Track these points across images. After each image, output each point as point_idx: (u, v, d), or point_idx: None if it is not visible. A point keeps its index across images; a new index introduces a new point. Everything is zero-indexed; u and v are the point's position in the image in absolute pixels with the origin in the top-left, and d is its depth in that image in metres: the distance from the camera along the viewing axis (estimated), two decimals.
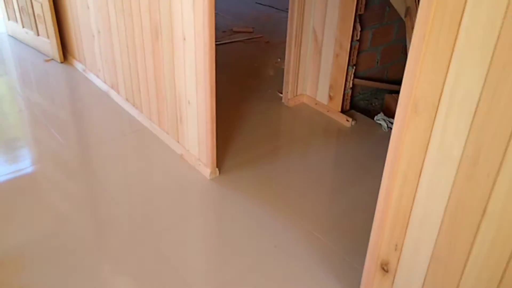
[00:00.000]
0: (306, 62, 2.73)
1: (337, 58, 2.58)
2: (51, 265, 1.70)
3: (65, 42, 3.19)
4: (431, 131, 1.25)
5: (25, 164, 2.27)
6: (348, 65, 2.58)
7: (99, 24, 2.68)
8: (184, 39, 2.02)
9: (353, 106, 2.82)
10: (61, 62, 3.19)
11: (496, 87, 1.08)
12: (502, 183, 1.14)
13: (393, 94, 2.91)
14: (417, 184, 1.32)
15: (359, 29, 2.53)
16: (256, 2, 4.68)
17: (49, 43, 3.15)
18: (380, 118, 2.65)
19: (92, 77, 3.00)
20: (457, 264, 1.29)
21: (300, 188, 2.16)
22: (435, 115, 1.23)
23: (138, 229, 1.89)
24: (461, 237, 1.26)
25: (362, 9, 2.50)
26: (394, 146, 1.35)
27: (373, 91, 2.99)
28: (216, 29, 1.88)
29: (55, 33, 3.07)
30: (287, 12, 2.58)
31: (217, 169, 2.21)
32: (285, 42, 2.67)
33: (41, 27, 3.15)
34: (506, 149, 1.11)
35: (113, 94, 2.81)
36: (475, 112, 1.14)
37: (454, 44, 1.14)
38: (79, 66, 3.12)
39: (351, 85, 2.69)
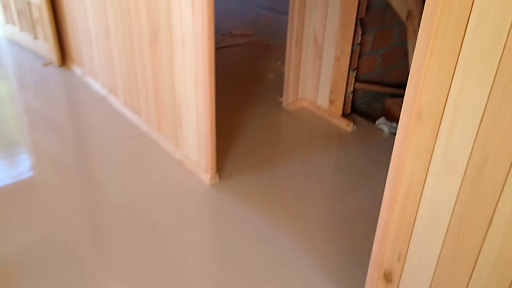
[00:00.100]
0: (306, 65, 2.71)
1: (338, 61, 2.55)
2: (50, 271, 1.68)
3: (63, 46, 3.17)
4: (436, 139, 1.22)
5: (23, 169, 2.25)
6: (349, 69, 2.55)
7: (97, 27, 2.66)
8: (183, 42, 1.99)
9: (354, 110, 2.79)
10: (60, 66, 3.17)
11: (503, 95, 1.06)
12: (509, 193, 1.11)
13: (394, 98, 2.88)
14: (421, 193, 1.30)
15: (360, 32, 2.50)
16: (257, 6, 4.66)
17: (47, 47, 3.12)
18: (381, 122, 2.62)
19: (90, 81, 2.97)
20: (462, 275, 1.27)
21: (300, 194, 2.13)
22: (440, 123, 1.20)
23: (137, 236, 1.86)
24: (467, 247, 1.23)
25: (363, 13, 2.47)
26: (397, 154, 1.32)
27: (374, 95, 2.97)
28: (216, 32, 1.85)
29: (53, 36, 3.04)
30: (287, 15, 2.56)
31: (216, 174, 2.18)
32: (285, 45, 2.65)
33: (39, 31, 3.12)
34: None
35: (111, 98, 2.78)
36: (481, 120, 1.12)
37: (459, 51, 1.11)
38: (77, 70, 3.09)
39: (352, 89, 2.66)
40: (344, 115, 2.68)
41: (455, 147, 1.19)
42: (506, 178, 1.10)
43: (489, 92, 1.09)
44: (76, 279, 1.66)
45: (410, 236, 1.36)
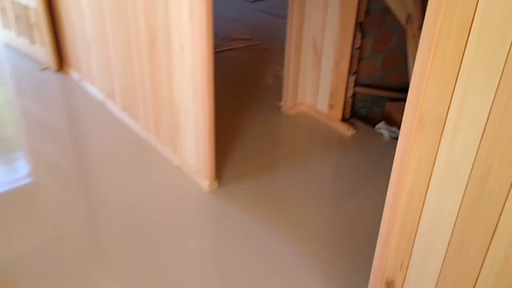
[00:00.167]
0: (305, 70, 2.69)
1: (338, 66, 2.53)
2: (48, 279, 1.66)
3: (60, 51, 3.15)
4: (438, 147, 1.20)
5: (21, 175, 2.23)
6: (348, 73, 2.53)
7: (94, 33, 2.64)
8: (182, 48, 1.97)
9: (354, 114, 2.78)
10: (57, 71, 3.14)
11: (507, 102, 1.04)
12: None
13: (394, 102, 2.86)
14: (424, 201, 1.28)
15: (360, 37, 2.49)
16: (255, 9, 4.64)
17: (44, 52, 3.10)
18: (381, 127, 2.60)
19: (88, 86, 2.95)
20: (466, 284, 1.24)
21: (300, 200, 2.11)
22: (442, 131, 1.18)
23: (136, 243, 1.84)
24: (470, 257, 1.21)
25: (363, 17, 2.45)
26: (399, 162, 1.30)
27: (373, 99, 2.95)
28: (214, 36, 1.84)
29: (51, 41, 3.02)
30: (285, 18, 2.54)
31: (215, 181, 2.16)
32: (283, 49, 2.63)
33: (36, 36, 3.10)
34: None
35: (109, 103, 2.76)
36: (485, 128, 1.10)
37: (462, 57, 1.09)
38: (75, 75, 3.07)
39: (351, 93, 2.64)
40: (343, 119, 2.67)
41: (458, 155, 1.17)
42: (511, 187, 1.08)
43: (493, 99, 1.07)
44: (74, 287, 1.63)
45: (413, 245, 1.34)
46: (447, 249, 1.26)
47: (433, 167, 1.23)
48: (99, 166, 2.31)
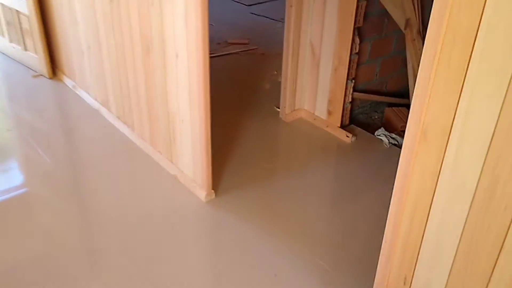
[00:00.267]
0: (303, 76, 2.65)
1: (336, 71, 2.49)
2: None
3: (54, 57, 3.09)
4: (443, 159, 1.16)
5: (14, 184, 2.18)
6: (347, 78, 2.49)
7: (88, 39, 2.59)
8: (177, 55, 1.92)
9: (353, 120, 2.73)
10: (50, 78, 3.09)
11: None
12: None
13: (393, 108, 2.83)
14: (428, 215, 1.23)
15: (358, 42, 2.45)
16: (251, 13, 4.61)
17: (37, 59, 3.05)
18: (380, 133, 2.56)
19: (82, 93, 2.89)
20: None
21: (299, 210, 2.06)
22: (447, 143, 1.14)
23: (131, 255, 1.79)
24: (476, 274, 1.17)
25: (361, 21, 2.42)
26: (402, 174, 1.26)
27: (372, 104, 2.91)
28: (210, 40, 1.79)
29: (43, 48, 2.96)
30: (283, 22, 2.50)
31: (212, 191, 2.11)
32: (281, 53, 2.59)
33: (28, 42, 3.05)
34: None
35: (104, 111, 2.71)
36: (491, 140, 1.06)
37: (467, 67, 1.05)
38: (68, 82, 3.02)
39: (350, 99, 2.60)
40: (342, 125, 2.62)
41: (464, 167, 1.13)
42: None
43: (500, 110, 1.03)
44: None
45: (416, 260, 1.29)
46: (452, 264, 1.22)
47: (437, 179, 1.19)
48: (94, 175, 2.26)
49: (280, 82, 2.69)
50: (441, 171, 1.17)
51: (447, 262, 1.22)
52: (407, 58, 2.61)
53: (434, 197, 1.20)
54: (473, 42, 1.03)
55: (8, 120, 2.69)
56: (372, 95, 2.82)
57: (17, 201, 2.06)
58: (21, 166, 2.34)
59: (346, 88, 2.52)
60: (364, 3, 2.37)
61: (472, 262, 1.17)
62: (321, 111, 2.65)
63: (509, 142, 1.02)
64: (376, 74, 2.81)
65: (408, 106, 2.79)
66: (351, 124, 2.70)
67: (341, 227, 1.97)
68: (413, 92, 2.64)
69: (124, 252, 1.80)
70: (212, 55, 3.22)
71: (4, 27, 3.18)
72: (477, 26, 1.01)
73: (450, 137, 1.13)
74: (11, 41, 3.21)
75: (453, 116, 1.11)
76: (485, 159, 1.08)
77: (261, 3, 4.84)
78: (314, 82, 2.62)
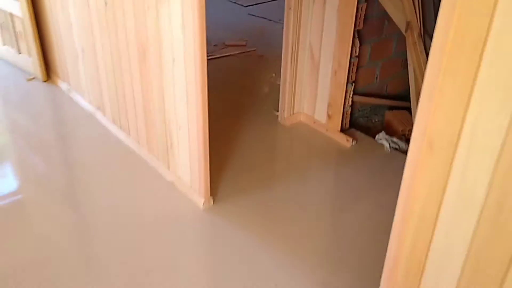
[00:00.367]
0: (303, 79, 2.60)
1: (336, 75, 2.45)
2: None
3: (48, 61, 3.04)
4: (450, 171, 1.12)
5: (8, 189, 2.14)
6: (347, 82, 2.45)
7: (82, 42, 2.54)
8: (174, 60, 1.88)
9: (353, 123, 2.69)
10: (44, 81, 3.03)
11: None
12: None
13: (394, 111, 2.79)
14: (434, 230, 1.19)
15: (358, 44, 2.40)
16: (249, 14, 4.55)
17: (31, 61, 2.99)
18: (381, 137, 2.52)
19: (77, 97, 2.84)
20: None
21: (299, 217, 2.02)
22: (454, 154, 1.10)
23: (126, 264, 1.74)
24: None
25: (361, 24, 2.37)
26: (407, 186, 1.22)
27: (372, 107, 2.87)
28: (207, 42, 1.74)
29: (37, 51, 2.91)
30: (280, 23, 2.46)
31: (211, 197, 2.06)
32: (279, 55, 2.54)
33: (22, 45, 2.99)
34: None
35: (99, 115, 2.66)
36: (501, 151, 1.01)
37: (475, 76, 1.01)
38: (63, 85, 2.97)
39: (350, 103, 2.56)
40: (342, 129, 2.58)
41: (472, 180, 1.08)
42: None
43: (509, 121, 0.98)
44: None
45: (421, 276, 1.25)
46: (459, 280, 1.18)
47: (444, 193, 1.14)
48: (89, 180, 2.21)
49: (278, 85, 2.65)
50: (448, 183, 1.13)
51: (453, 277, 1.18)
52: (408, 60, 2.57)
53: (441, 210, 1.16)
54: (481, 52, 0.98)
55: (2, 123, 2.64)
56: (372, 98, 2.78)
57: (10, 207, 2.02)
58: (14, 171, 2.29)
59: (346, 92, 2.48)
60: (364, 5, 2.33)
61: (480, 278, 1.13)
62: (320, 115, 2.61)
63: None
64: (376, 77, 2.77)
65: (408, 109, 2.75)
66: (351, 128, 2.66)
67: (342, 235, 1.93)
68: (414, 95, 2.61)
69: (120, 260, 1.76)
70: (209, 57, 3.17)
71: None
72: (485, 37, 0.97)
73: (458, 149, 1.08)
74: (4, 44, 3.15)
75: (460, 128, 1.07)
76: (494, 171, 1.04)
77: (258, 4, 4.80)
78: (314, 85, 2.58)
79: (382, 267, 1.37)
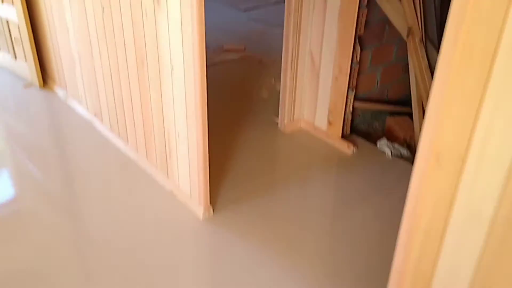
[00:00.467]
0: (303, 85, 2.57)
1: (336, 81, 2.42)
2: None
3: (44, 67, 3.00)
4: (457, 186, 1.09)
5: (4, 198, 2.11)
6: (348, 88, 2.42)
7: (79, 48, 2.50)
8: (172, 68, 1.84)
9: (353, 129, 2.66)
10: (41, 88, 3.00)
11: None
12: None
13: (395, 117, 2.76)
14: (440, 245, 1.16)
15: (359, 50, 2.38)
16: (248, 18, 4.52)
17: (27, 68, 2.96)
18: (383, 144, 2.49)
19: (74, 104, 2.81)
20: None
21: (300, 226, 1.98)
22: (462, 169, 1.07)
23: (124, 275, 1.71)
24: None
25: (362, 30, 2.35)
26: (413, 199, 1.18)
27: (373, 113, 2.84)
28: (206, 48, 1.71)
29: (34, 57, 2.87)
30: (279, 27, 2.42)
31: (210, 207, 2.03)
32: (278, 60, 2.51)
33: (18, 51, 2.95)
34: None
35: (96, 123, 2.62)
36: (511, 165, 0.98)
37: (485, 88, 0.98)
38: (60, 92, 2.93)
39: (351, 109, 2.53)
40: (343, 136, 2.55)
41: (480, 196, 1.05)
42: None
43: None
44: None
45: None
46: None
47: (451, 208, 1.11)
48: (86, 189, 2.17)
49: (278, 90, 2.62)
50: (456, 198, 1.10)
51: None
52: (409, 66, 2.55)
53: (448, 225, 1.13)
54: (491, 63, 0.95)
55: None
56: (373, 104, 2.75)
57: (7, 215, 1.98)
58: (11, 179, 2.25)
59: (347, 98, 2.45)
60: (365, 11, 2.30)
61: None
62: (321, 122, 2.58)
63: None
64: (377, 82, 2.74)
65: (410, 115, 2.72)
66: (352, 134, 2.63)
67: (344, 243, 1.90)
68: (415, 101, 2.58)
69: (118, 271, 1.72)
70: (207, 63, 3.14)
71: None
72: (495, 47, 0.94)
73: (466, 162, 1.05)
74: (0, 49, 3.11)
75: (469, 141, 1.03)
76: (504, 186, 1.01)
77: (257, 8, 4.77)
78: (314, 91, 2.55)
79: (385, 276, 1.34)
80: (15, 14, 2.77)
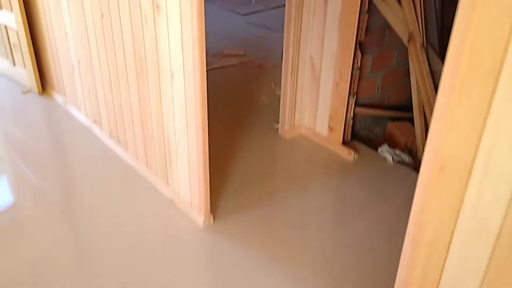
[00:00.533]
0: (303, 91, 2.56)
1: (337, 87, 2.40)
2: None
3: (43, 73, 2.99)
4: (463, 196, 1.07)
5: (2, 206, 2.08)
6: (349, 94, 2.41)
7: (78, 54, 2.48)
8: (172, 75, 1.83)
9: (354, 134, 2.65)
10: (40, 94, 2.98)
11: None
12: None
13: (396, 122, 2.75)
14: (446, 256, 1.14)
15: (360, 56, 2.36)
16: (247, 23, 4.51)
17: (26, 74, 2.94)
18: (384, 150, 2.47)
19: (73, 110, 2.79)
20: None
21: (302, 234, 1.96)
22: (468, 179, 1.05)
23: (123, 284, 1.68)
24: None
25: (363, 36, 2.33)
26: (418, 210, 1.17)
27: (374, 119, 2.82)
28: (205, 53, 1.69)
29: (32, 63, 2.86)
30: (279, 32, 2.41)
31: (211, 215, 2.00)
32: (278, 65, 2.50)
33: (17, 57, 2.94)
34: None
35: (96, 129, 2.60)
36: None
37: (491, 99, 0.96)
38: (59, 98, 2.91)
39: (352, 115, 2.51)
40: (344, 142, 2.53)
41: (487, 207, 1.03)
42: None
43: None
44: None
45: None
46: None
47: (457, 219, 1.09)
48: (85, 197, 2.15)
49: (278, 96, 2.60)
50: (461, 209, 1.08)
51: None
52: (410, 71, 2.53)
53: (453, 237, 1.11)
54: (497, 74, 0.94)
55: None
56: (374, 110, 2.73)
57: (5, 223, 1.96)
58: (9, 186, 2.23)
59: (347, 104, 2.43)
60: (366, 17, 2.29)
61: None
62: (322, 128, 2.56)
63: None
64: (378, 88, 2.72)
65: (411, 120, 2.71)
66: (352, 140, 2.61)
67: (346, 250, 1.88)
68: (417, 106, 2.56)
69: (117, 278, 1.70)
70: (207, 68, 3.13)
71: None
72: (502, 56, 0.92)
73: (472, 173, 1.03)
74: None
75: (475, 152, 1.02)
76: (510, 198, 0.99)
77: (256, 12, 4.76)
78: (315, 97, 2.53)
79: (386, 283, 1.32)
80: (13, 20, 2.75)
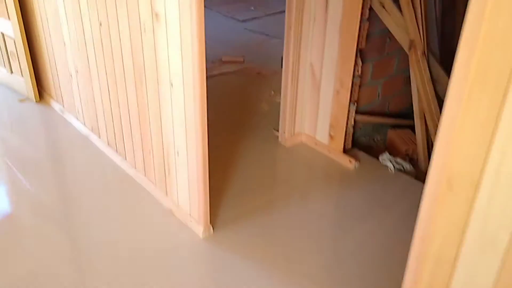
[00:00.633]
0: (303, 99, 2.53)
1: (338, 95, 2.38)
2: None
3: (41, 81, 2.96)
4: (470, 212, 1.04)
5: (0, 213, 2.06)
6: (349, 102, 2.38)
7: (76, 62, 2.46)
8: (172, 85, 1.80)
9: (354, 142, 2.62)
10: (37, 102, 2.95)
11: None
12: None
13: (396, 130, 2.72)
14: (452, 274, 1.11)
15: (361, 64, 2.34)
16: (246, 29, 4.50)
17: (23, 82, 2.91)
18: (385, 158, 2.45)
19: (70, 118, 2.76)
20: None
21: (301, 243, 1.93)
22: (476, 194, 1.02)
23: None
24: None
25: (363, 43, 2.31)
26: (423, 225, 1.14)
27: (375, 126, 2.80)
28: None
29: (30, 71, 2.83)
30: (278, 38, 2.39)
31: (210, 225, 1.97)
32: (277, 72, 2.49)
33: (14, 65, 2.91)
34: None
35: (93, 138, 2.57)
36: None
37: (500, 111, 0.94)
38: (56, 106, 2.88)
39: (353, 123, 2.49)
40: (345, 150, 2.51)
41: (495, 223, 1.01)
42: None
43: None
44: None
45: None
46: None
47: (464, 235, 1.07)
48: (82, 206, 2.12)
49: (278, 103, 2.58)
50: (469, 224, 1.05)
51: None
52: (411, 79, 2.51)
53: (460, 253, 1.08)
54: (506, 86, 0.92)
55: None
56: (374, 117, 2.71)
57: (1, 233, 1.93)
58: (6, 195, 2.20)
59: (348, 112, 2.41)
60: (366, 24, 2.27)
61: None
62: (322, 136, 2.54)
63: None
64: (378, 95, 2.70)
65: (412, 128, 2.69)
66: (353, 148, 2.59)
67: (347, 259, 1.85)
68: (417, 114, 2.53)
69: None
70: (206, 75, 3.11)
71: None
72: (510, 70, 0.90)
73: (480, 188, 1.01)
74: None
75: (483, 166, 0.99)
76: None
77: (255, 18, 4.75)
78: (315, 105, 2.51)
79: None
80: (11, 28, 2.73)
